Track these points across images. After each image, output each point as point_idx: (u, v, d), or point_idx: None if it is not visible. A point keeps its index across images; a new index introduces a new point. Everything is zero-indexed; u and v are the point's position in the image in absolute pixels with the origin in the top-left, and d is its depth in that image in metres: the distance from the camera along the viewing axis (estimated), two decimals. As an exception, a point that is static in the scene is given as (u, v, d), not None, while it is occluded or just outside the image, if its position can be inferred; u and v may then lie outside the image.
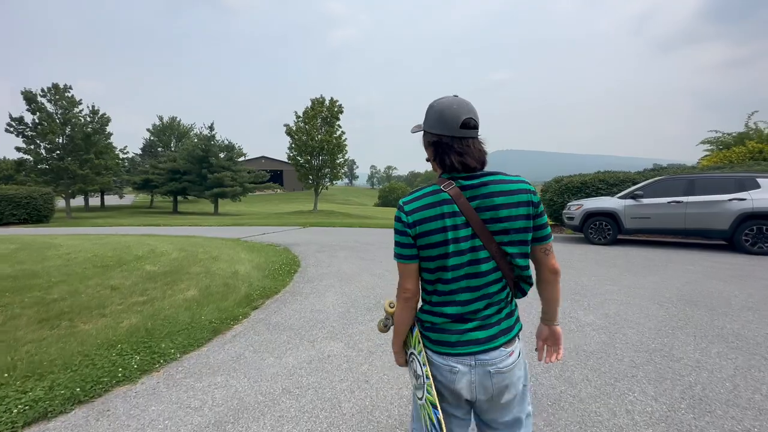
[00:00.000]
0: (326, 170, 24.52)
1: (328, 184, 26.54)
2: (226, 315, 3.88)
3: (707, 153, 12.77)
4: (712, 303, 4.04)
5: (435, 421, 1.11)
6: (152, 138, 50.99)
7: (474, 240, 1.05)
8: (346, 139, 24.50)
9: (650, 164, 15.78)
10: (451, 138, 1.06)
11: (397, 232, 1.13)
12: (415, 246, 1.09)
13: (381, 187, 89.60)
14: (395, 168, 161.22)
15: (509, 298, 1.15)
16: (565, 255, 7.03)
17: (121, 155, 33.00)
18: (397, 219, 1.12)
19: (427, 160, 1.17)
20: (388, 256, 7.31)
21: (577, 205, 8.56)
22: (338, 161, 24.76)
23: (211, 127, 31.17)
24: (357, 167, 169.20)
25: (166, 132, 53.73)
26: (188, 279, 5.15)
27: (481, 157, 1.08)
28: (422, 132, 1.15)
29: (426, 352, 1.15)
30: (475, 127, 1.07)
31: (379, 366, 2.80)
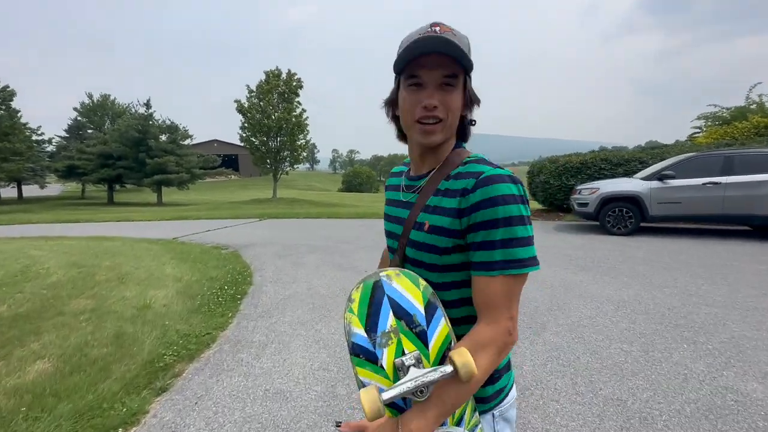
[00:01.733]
0: (285, 153, 21.89)
1: (288, 168, 23.95)
2: (89, 430, 1.93)
3: (696, 130, 12.12)
4: None
5: None
6: (80, 118, 44.65)
7: None
8: (307, 117, 21.95)
9: (596, 146, 15.31)
10: None
11: (528, 221, 0.66)
12: None
13: (344, 171, 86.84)
14: (358, 152, 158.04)
15: None
16: (590, 251, 5.64)
17: (35, 137, 27.94)
18: (524, 200, 0.66)
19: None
20: (375, 261, 5.53)
21: (592, 188, 7.23)
22: (299, 143, 22.19)
23: (147, 105, 27.05)
24: (318, 151, 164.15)
25: (98, 111, 47.41)
26: (53, 329, 3.06)
27: None
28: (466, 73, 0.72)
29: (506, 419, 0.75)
30: None
31: None
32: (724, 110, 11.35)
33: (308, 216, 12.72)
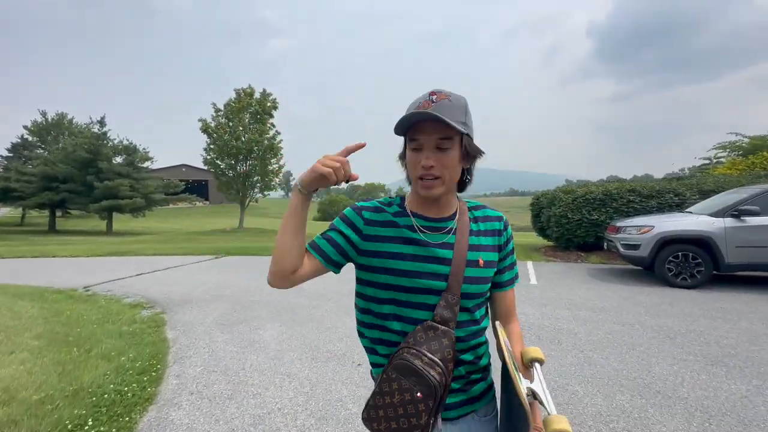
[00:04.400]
0: (255, 178, 19.73)
1: (258, 195, 21.70)
2: None
3: (705, 162, 11.26)
4: None
5: None
6: (29, 137, 40.86)
7: None
8: (281, 141, 20.08)
9: (562, 179, 14.45)
10: None
11: None
12: None
13: (320, 199, 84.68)
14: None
15: None
16: (686, 321, 3.92)
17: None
18: None
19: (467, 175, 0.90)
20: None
21: (644, 226, 5.67)
22: (270, 167, 20.14)
23: (101, 122, 24.38)
24: (294, 179, 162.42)
25: (52, 131, 43.79)
26: None
27: None
28: (462, 134, 0.80)
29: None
30: None
31: None
32: (744, 139, 10.53)
33: (277, 252, 10.54)
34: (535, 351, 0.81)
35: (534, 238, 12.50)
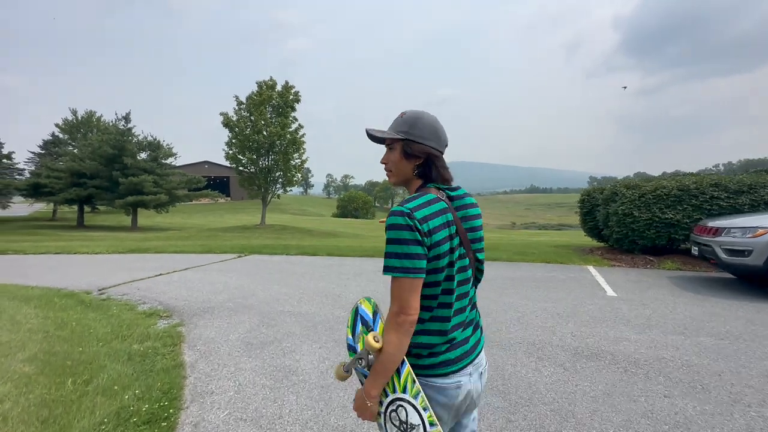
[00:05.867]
0: (277, 173, 19.20)
1: (280, 191, 21.20)
2: None
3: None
4: None
5: None
6: (60, 135, 41.96)
7: (461, 248, 1.04)
8: (304, 135, 19.46)
9: (586, 177, 12.94)
10: (440, 153, 1.09)
11: (406, 242, 0.95)
12: (428, 257, 0.97)
13: (339, 196, 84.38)
14: (352, 177, 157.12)
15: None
16: None
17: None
18: (407, 227, 0.95)
19: (413, 171, 1.11)
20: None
21: (759, 228, 4.61)
22: (293, 162, 19.57)
23: (126, 119, 24.45)
24: (312, 176, 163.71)
25: (81, 128, 44.88)
26: None
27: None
28: (401, 140, 1.07)
29: (425, 385, 1.00)
30: None
31: None
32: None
33: (302, 252, 9.86)
34: (368, 341, 0.95)
35: (569, 238, 11.38)
